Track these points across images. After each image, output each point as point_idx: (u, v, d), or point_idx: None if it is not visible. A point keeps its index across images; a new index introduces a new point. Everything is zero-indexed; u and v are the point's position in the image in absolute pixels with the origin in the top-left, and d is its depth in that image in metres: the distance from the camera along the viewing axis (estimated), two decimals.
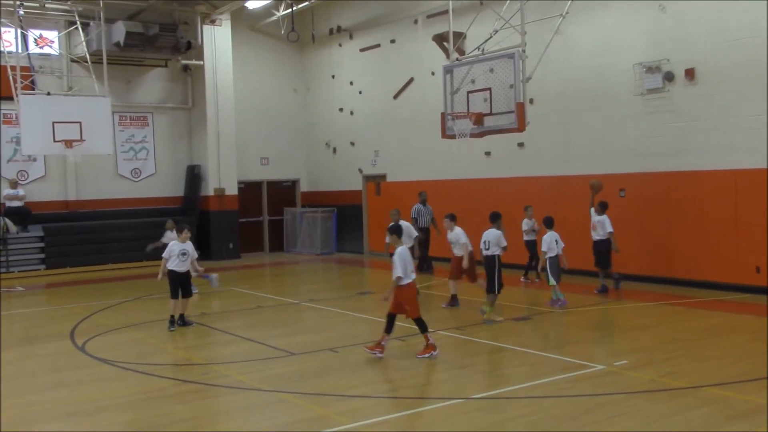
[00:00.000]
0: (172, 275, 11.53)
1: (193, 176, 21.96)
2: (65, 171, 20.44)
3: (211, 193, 21.66)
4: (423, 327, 9.09)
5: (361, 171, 22.06)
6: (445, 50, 15.78)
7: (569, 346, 9.47)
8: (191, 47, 21.21)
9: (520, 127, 12.39)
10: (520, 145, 16.74)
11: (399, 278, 8.91)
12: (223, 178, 21.81)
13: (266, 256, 22.97)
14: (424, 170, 19.63)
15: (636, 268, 14.54)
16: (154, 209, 21.59)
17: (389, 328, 9.09)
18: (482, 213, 17.52)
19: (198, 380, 8.38)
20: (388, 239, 10.80)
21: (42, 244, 19.40)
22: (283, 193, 24.18)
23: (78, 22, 18.74)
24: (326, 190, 23.59)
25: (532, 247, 15.05)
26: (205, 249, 21.67)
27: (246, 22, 22.83)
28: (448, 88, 13.58)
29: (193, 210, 21.70)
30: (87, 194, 20.85)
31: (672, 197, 13.97)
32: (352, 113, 22.28)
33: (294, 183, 24.44)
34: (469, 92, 13.30)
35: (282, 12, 21.15)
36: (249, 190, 23.25)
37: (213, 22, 21.42)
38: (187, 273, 11.74)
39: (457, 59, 13.80)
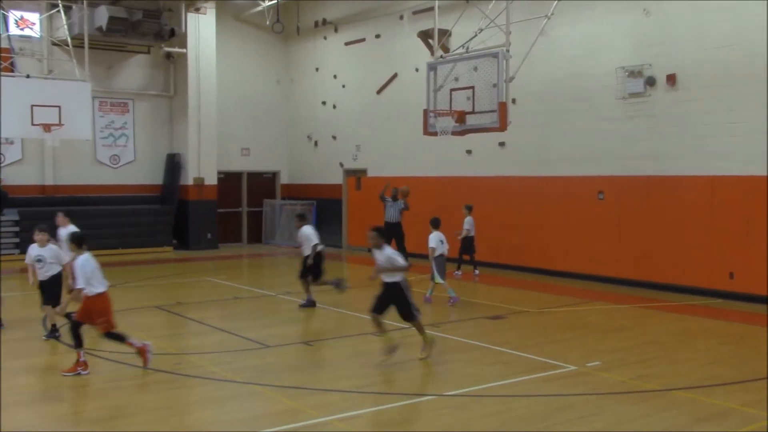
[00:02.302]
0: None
1: (173, 165, 21.80)
2: (43, 155, 20.23)
3: (191, 182, 21.52)
4: (119, 338, 8.33)
5: (342, 165, 22.02)
6: (430, 47, 15.81)
7: (543, 345, 9.51)
8: (174, 35, 21.05)
9: (502, 126, 12.41)
10: (501, 144, 16.79)
11: (80, 290, 8.09)
12: (202, 168, 21.68)
13: (244, 248, 22.87)
14: (405, 166, 19.63)
15: (611, 270, 14.65)
16: (132, 197, 21.43)
17: (78, 342, 8.14)
18: (460, 210, 17.62)
19: (170, 370, 8.33)
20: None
21: (17, 228, 19.16)
22: (263, 184, 24.09)
23: (60, 5, 18.51)
24: (306, 183, 23.53)
25: (470, 243, 15.62)
26: (183, 238, 21.57)
27: (231, 12, 22.68)
28: (431, 85, 13.57)
29: (171, 199, 21.56)
30: (64, 179, 20.63)
31: (649, 201, 14.08)
32: (334, 107, 22.22)
33: (274, 175, 24.35)
34: (452, 90, 13.30)
35: (267, 2, 21.03)
36: (229, 180, 23.14)
37: (197, 10, 21.26)
38: (52, 279, 10.07)
39: (441, 56, 13.80)
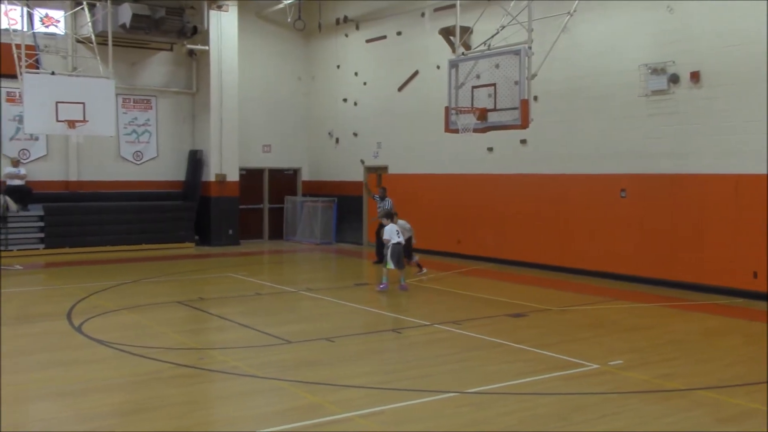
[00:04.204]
0: None
1: (195, 161, 21.96)
2: (67, 151, 20.44)
3: (213, 178, 21.66)
4: None
5: (362, 162, 22.05)
6: (451, 44, 15.79)
7: (565, 344, 9.49)
8: (197, 32, 21.20)
9: (524, 123, 12.39)
10: (523, 141, 16.73)
11: None
12: (224, 164, 21.80)
13: (265, 244, 22.99)
14: (425, 163, 19.64)
15: (633, 268, 14.56)
16: (155, 193, 21.61)
17: None
18: (481, 208, 17.63)
19: (193, 365, 8.41)
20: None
21: (42, 224, 19.41)
22: (284, 181, 24.19)
23: (85, 3, 18.69)
24: (327, 180, 23.60)
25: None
26: (205, 234, 21.72)
27: (252, 9, 22.77)
28: (452, 82, 13.58)
29: (194, 195, 21.71)
30: (88, 175, 20.84)
31: (672, 199, 13.98)
32: (356, 104, 22.26)
33: (295, 171, 24.44)
34: (473, 87, 13.30)
35: (289, 0, 21.10)
36: (250, 176, 23.26)
37: (219, 7, 21.37)
38: None
39: (462, 54, 13.79)
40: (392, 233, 13.41)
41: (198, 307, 12.15)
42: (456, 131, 13.40)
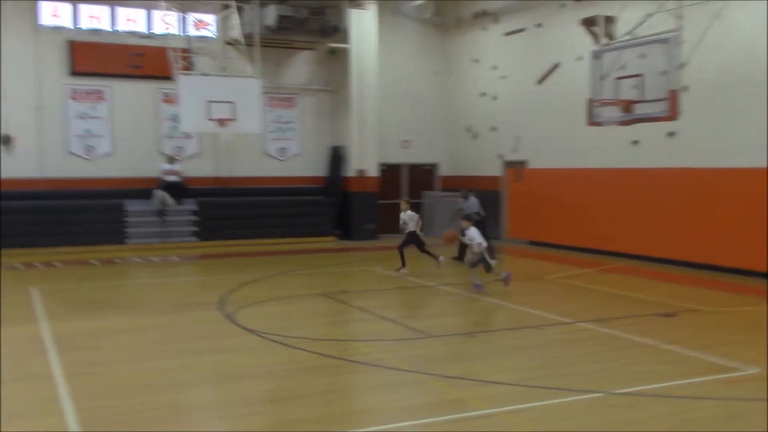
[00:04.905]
0: None
1: (336, 157, 22.50)
2: (217, 148, 21.46)
3: (353, 174, 22.12)
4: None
5: (501, 157, 21.83)
6: (594, 35, 15.33)
7: (720, 346, 9.00)
8: (337, 31, 21.68)
9: (673, 115, 11.89)
10: (671, 134, 16.00)
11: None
12: (364, 160, 22.20)
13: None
14: (566, 158, 19.19)
15: None
16: (298, 188, 22.32)
17: None
18: (625, 203, 17.02)
19: (338, 355, 8.63)
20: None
21: (196, 218, 20.47)
22: (422, 176, 24.34)
23: (234, 6, 19.55)
24: (465, 175, 23.51)
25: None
26: (345, 229, 22.21)
27: (390, 6, 23.01)
28: (595, 73, 13.20)
29: (334, 190, 22.25)
30: (237, 171, 21.79)
31: None
32: (494, 98, 22.06)
33: (433, 167, 24.54)
34: (617, 78, 12.88)
35: None
36: (389, 172, 23.56)
37: (359, 5, 21.76)
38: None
39: (606, 44, 13.38)
40: (476, 235, 12.82)
41: (341, 299, 12.46)
42: (599, 124, 13.06)
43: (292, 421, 6.54)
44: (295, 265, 16.51)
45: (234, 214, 20.78)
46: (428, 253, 15.50)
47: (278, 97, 22.41)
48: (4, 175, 18.88)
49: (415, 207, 23.74)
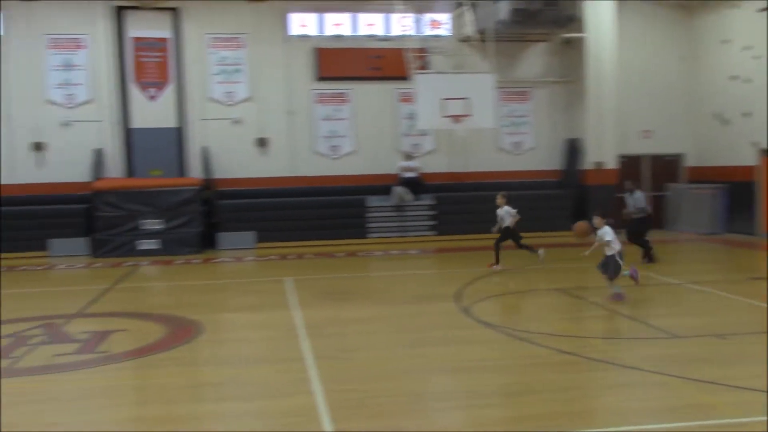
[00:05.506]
0: None
1: (572, 150, 21.95)
2: (452, 144, 21.83)
3: (590, 166, 21.45)
4: None
5: (756, 144, 20.03)
6: None
7: None
8: (572, 20, 21.11)
9: None
10: None
11: None
12: (602, 152, 21.46)
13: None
14: None
15: None
16: (533, 182, 22.09)
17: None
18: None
19: (575, 352, 8.44)
20: None
21: (432, 212, 21.00)
22: (664, 167, 23.02)
23: (467, 4, 19.77)
24: (714, 166, 21.89)
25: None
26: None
27: None
28: None
29: (571, 183, 21.74)
30: (471, 166, 22.04)
31: None
32: (748, 81, 20.28)
33: (677, 157, 23.10)
34: None
35: None
36: (629, 164, 22.55)
37: None
38: None
39: None
40: (609, 234, 11.51)
41: (578, 295, 12.16)
42: None
43: (528, 416, 6.50)
44: (530, 260, 16.34)
45: (469, 209, 20.99)
46: (526, 247, 15.06)
47: (512, 91, 22.31)
48: (262, 175, 20.74)
49: (658, 200, 22.66)
